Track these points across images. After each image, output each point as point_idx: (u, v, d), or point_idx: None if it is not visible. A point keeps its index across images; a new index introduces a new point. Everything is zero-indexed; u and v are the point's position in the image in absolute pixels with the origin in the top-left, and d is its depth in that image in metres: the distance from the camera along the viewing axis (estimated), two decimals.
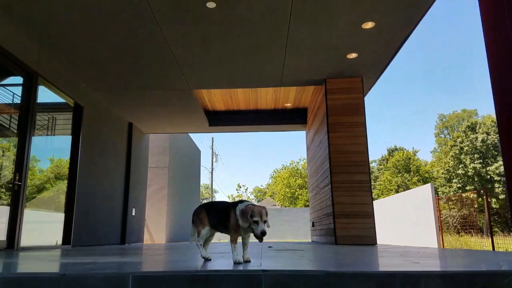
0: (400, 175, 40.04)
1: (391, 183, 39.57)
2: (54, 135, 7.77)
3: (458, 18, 67.21)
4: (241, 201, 2.59)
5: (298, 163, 51.53)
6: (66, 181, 6.89)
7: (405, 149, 43.96)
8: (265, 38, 5.54)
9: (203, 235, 2.71)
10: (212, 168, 38.65)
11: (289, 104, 9.51)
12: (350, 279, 1.52)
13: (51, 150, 7.50)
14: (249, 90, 8.54)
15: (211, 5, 4.52)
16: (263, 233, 2.32)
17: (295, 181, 47.87)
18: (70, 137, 7.10)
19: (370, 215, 6.29)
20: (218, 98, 9.04)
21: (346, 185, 6.43)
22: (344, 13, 4.88)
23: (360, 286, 1.48)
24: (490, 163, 32.32)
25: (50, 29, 5.20)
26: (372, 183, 39.75)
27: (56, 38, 5.45)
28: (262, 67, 6.56)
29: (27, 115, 5.54)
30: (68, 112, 7.11)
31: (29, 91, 5.61)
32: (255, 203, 2.85)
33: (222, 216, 2.62)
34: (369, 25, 5.12)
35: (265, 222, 2.40)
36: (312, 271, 1.60)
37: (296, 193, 46.68)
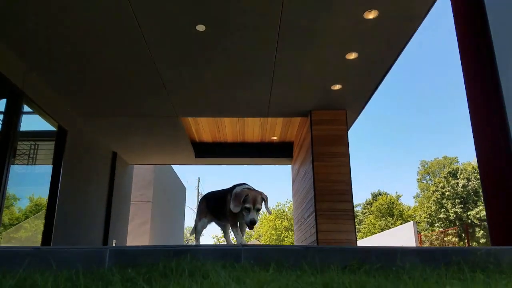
0: (383, 218, 40.07)
1: (375, 226, 39.46)
2: (34, 164, 7.63)
3: (441, 55, 70.76)
4: (239, 184, 2.48)
5: (284, 205, 51.08)
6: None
7: (388, 193, 44.35)
8: (253, 66, 5.75)
9: (198, 228, 2.66)
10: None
11: (275, 138, 9.65)
12: (328, 252, 1.52)
13: (30, 182, 7.31)
14: (236, 122, 8.68)
15: (200, 28, 4.72)
16: (252, 222, 2.20)
17: (281, 223, 47.18)
18: (51, 167, 6.95)
19: (353, 243, 6.26)
20: (205, 129, 9.13)
21: (329, 213, 6.43)
22: (328, 43, 5.15)
23: (338, 258, 1.48)
24: (471, 208, 32.79)
25: (36, 49, 5.25)
26: (357, 226, 39.20)
27: (42, 59, 5.48)
28: (250, 96, 6.74)
29: (7, 140, 5.39)
30: (50, 140, 7.01)
31: (11, 113, 5.50)
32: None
33: (220, 202, 2.52)
34: (352, 55, 5.39)
35: (258, 210, 2.26)
36: (291, 246, 1.60)
37: (282, 235, 45.88)
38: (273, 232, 46.84)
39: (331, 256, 1.51)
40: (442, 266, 1.31)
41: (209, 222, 2.76)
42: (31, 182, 7.46)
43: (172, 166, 15.72)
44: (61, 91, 6.47)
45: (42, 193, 6.84)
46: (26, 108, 6.05)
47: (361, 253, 1.50)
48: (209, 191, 3.09)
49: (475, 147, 4.23)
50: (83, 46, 5.21)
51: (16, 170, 6.20)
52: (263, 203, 2.35)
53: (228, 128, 9.05)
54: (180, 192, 17.65)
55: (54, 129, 6.90)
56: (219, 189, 2.88)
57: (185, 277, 1.22)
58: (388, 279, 1.12)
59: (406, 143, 70.63)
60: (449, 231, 32.11)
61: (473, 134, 4.30)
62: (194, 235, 2.70)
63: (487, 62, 4.11)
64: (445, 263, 1.35)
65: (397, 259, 1.44)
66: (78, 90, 6.49)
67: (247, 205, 2.22)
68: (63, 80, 6.14)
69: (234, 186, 2.52)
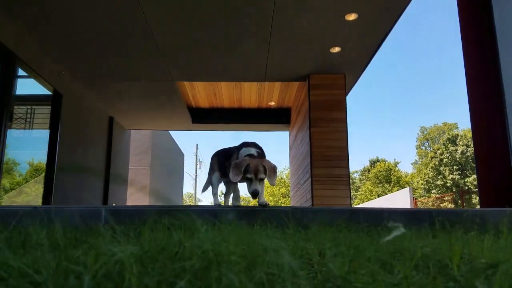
0: (381, 185, 40.56)
1: (372, 193, 40.03)
2: (32, 128, 7.59)
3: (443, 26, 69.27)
4: (247, 144, 2.35)
5: (282, 172, 51.64)
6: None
7: (386, 160, 44.64)
8: (250, 28, 5.58)
9: (214, 182, 2.60)
10: (196, 175, 38.34)
11: (273, 103, 9.56)
12: (315, 212, 1.52)
13: (29, 146, 7.31)
14: (233, 87, 8.56)
15: None
16: (254, 193, 2.02)
17: (279, 189, 47.89)
18: (48, 131, 6.90)
19: None
20: (201, 95, 9.02)
21: (325, 179, 6.47)
22: (327, 2, 4.96)
23: (325, 218, 1.48)
24: (468, 174, 33.11)
25: (27, 11, 5.09)
26: (353, 193, 39.83)
27: (34, 19, 5.33)
28: (247, 59, 6.59)
29: (2, 104, 5.33)
30: (47, 105, 6.93)
31: (5, 76, 5.43)
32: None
33: (227, 161, 2.42)
34: (352, 16, 5.22)
35: (261, 180, 2.08)
36: (280, 207, 1.59)
37: (280, 201, 46.67)
38: (270, 198, 47.69)
39: (318, 216, 1.51)
40: (426, 226, 1.31)
41: (221, 177, 2.67)
42: (29, 146, 7.46)
43: (170, 132, 15.70)
44: (55, 54, 6.33)
45: (41, 158, 6.85)
46: (21, 73, 5.95)
47: (348, 214, 1.50)
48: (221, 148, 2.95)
49: (470, 114, 4.21)
50: (75, 8, 5.03)
51: (14, 135, 6.18)
52: (268, 172, 2.15)
53: (225, 93, 8.94)
54: (178, 158, 17.74)
55: (49, 93, 6.81)
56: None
57: (172, 230, 1.22)
58: (366, 236, 1.13)
59: (407, 110, 70.32)
60: (446, 198, 32.68)
61: (469, 101, 4.27)
62: (206, 192, 2.69)
63: (486, 29, 4.01)
64: (430, 223, 1.35)
65: (384, 219, 1.44)
66: (72, 54, 6.35)
67: (249, 175, 2.05)
68: (56, 43, 5.98)
69: (242, 146, 2.42)
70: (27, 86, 6.65)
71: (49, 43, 5.99)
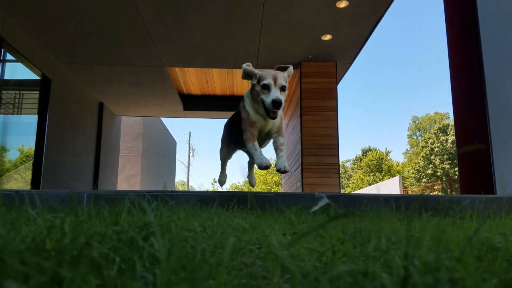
0: (372, 174, 40.95)
1: (363, 182, 40.42)
2: (20, 114, 7.48)
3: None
4: None
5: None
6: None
7: (378, 149, 44.96)
8: (241, 14, 5.52)
9: (221, 157, 2.42)
10: (189, 163, 38.26)
11: None
12: (298, 198, 1.53)
13: (18, 132, 7.20)
14: (225, 74, 8.49)
15: None
16: (277, 103, 1.59)
17: (272, 178, 48.11)
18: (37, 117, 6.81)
19: None
20: (193, 81, 8.95)
21: (316, 167, 6.50)
22: None
23: (307, 203, 1.50)
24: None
25: None
26: (345, 181, 40.05)
27: (22, 3, 5.22)
28: (238, 46, 6.54)
29: None
30: (36, 90, 6.83)
31: None
32: None
33: (237, 122, 2.02)
34: (343, 3, 5.18)
35: (283, 88, 1.68)
36: (263, 192, 1.60)
37: (273, 189, 46.94)
38: (263, 186, 47.89)
39: (300, 201, 1.53)
40: (402, 211, 1.34)
41: (232, 151, 2.42)
42: (19, 132, 7.36)
43: (162, 119, 15.60)
44: (42, 38, 6.21)
45: (32, 144, 6.78)
46: (9, 57, 5.84)
47: (330, 199, 1.51)
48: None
49: (452, 103, 4.26)
50: None
51: (2, 120, 6.09)
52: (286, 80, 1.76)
53: (217, 81, 8.87)
54: (170, 146, 17.67)
55: (38, 78, 6.71)
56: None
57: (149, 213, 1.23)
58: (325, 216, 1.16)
59: (399, 99, 70.62)
60: (435, 186, 33.14)
61: (452, 91, 4.31)
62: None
63: (469, 15, 4.03)
64: (406, 208, 1.38)
65: (362, 204, 1.46)
66: (61, 38, 6.23)
67: (265, 82, 1.63)
68: (44, 28, 5.87)
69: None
70: (15, 70, 6.53)
71: (38, 28, 5.87)
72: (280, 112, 1.71)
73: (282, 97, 1.62)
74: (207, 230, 0.88)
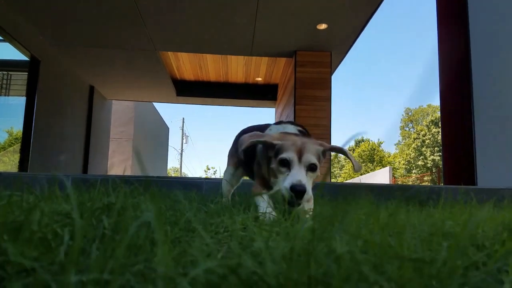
0: (364, 164, 41.27)
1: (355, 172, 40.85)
2: (8, 95, 7.35)
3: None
4: (280, 122, 1.50)
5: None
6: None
7: (371, 140, 45.27)
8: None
9: (226, 177, 1.64)
10: (182, 150, 38.14)
11: (260, 79, 9.44)
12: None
13: (6, 114, 7.08)
14: (220, 61, 8.40)
15: None
16: (298, 192, 1.07)
17: None
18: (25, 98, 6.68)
19: None
20: (187, 67, 8.84)
21: None
22: None
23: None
24: None
25: None
26: (338, 171, 40.21)
27: None
28: (233, 32, 6.44)
29: None
30: (24, 71, 6.69)
31: None
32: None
33: (250, 151, 1.43)
34: None
35: (312, 168, 1.20)
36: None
37: None
38: None
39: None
40: (382, 200, 1.34)
41: (242, 174, 1.72)
42: (7, 114, 7.24)
43: (155, 105, 15.46)
44: (31, 18, 6.05)
45: (21, 126, 6.68)
46: None
47: (316, 187, 1.51)
48: (248, 125, 1.93)
49: (440, 98, 4.29)
50: None
51: None
52: (323, 155, 1.27)
53: (211, 67, 8.78)
54: (163, 132, 17.56)
55: (26, 59, 6.57)
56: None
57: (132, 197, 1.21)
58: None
59: (393, 91, 70.81)
60: (425, 177, 33.51)
61: (440, 86, 4.34)
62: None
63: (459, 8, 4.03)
64: (386, 198, 1.38)
65: (349, 193, 1.46)
66: (50, 18, 6.07)
67: (285, 156, 1.15)
68: (33, 6, 5.70)
69: (268, 125, 1.58)
70: (3, 51, 6.39)
71: (26, 7, 5.72)
72: (308, 195, 1.14)
73: (308, 182, 1.13)
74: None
